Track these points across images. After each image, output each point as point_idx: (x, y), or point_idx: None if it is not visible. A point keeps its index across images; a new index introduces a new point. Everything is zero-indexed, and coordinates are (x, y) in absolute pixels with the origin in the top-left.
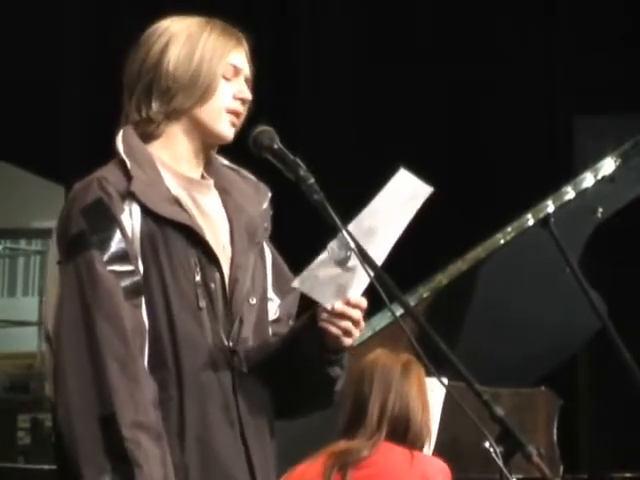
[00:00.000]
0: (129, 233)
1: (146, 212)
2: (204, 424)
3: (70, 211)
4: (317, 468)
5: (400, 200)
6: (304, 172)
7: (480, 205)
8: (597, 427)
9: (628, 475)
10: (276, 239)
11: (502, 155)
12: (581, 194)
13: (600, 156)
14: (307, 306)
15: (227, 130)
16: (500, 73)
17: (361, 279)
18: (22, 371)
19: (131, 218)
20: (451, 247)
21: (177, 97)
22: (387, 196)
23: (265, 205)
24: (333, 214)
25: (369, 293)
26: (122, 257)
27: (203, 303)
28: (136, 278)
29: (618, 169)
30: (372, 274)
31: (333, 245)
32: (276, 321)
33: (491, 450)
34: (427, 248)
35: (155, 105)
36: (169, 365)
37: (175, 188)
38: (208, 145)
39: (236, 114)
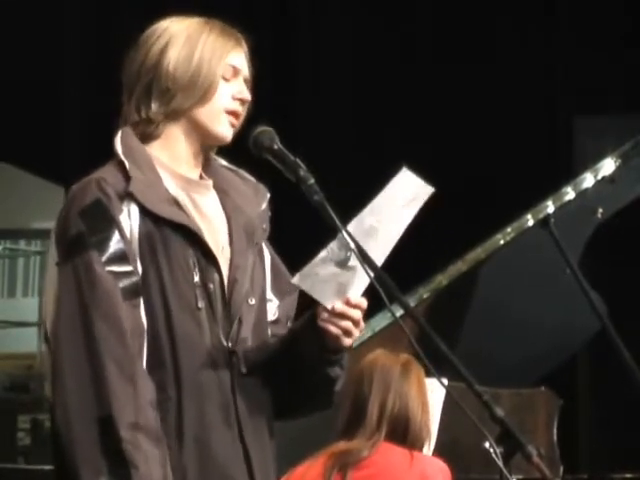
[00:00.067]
0: (127, 234)
1: (144, 213)
2: (202, 425)
3: (69, 212)
4: (317, 469)
5: (402, 200)
6: (304, 172)
7: (480, 205)
8: (597, 427)
9: (628, 475)
10: (276, 240)
11: (502, 155)
12: (581, 194)
13: (600, 156)
14: (306, 306)
15: (226, 131)
16: (500, 73)
17: (361, 279)
18: (22, 371)
19: (129, 219)
20: (451, 247)
21: (176, 98)
22: (389, 196)
23: (264, 206)
24: (333, 214)
25: (369, 293)
26: (120, 258)
27: (202, 304)
28: (134, 279)
29: (618, 169)
30: (372, 274)
31: (333, 245)
32: (275, 322)
33: (491, 450)
34: (427, 248)
35: (154, 106)
36: (167, 366)
37: (174, 189)
38: (207, 146)
39: (235, 115)
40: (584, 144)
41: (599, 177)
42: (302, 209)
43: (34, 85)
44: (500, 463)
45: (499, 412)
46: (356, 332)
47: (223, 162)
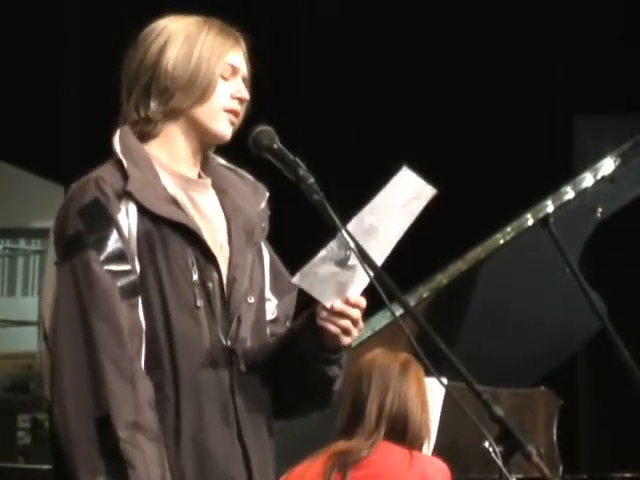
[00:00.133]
0: (126, 233)
1: (143, 211)
2: (201, 424)
3: (67, 211)
4: (317, 468)
5: (402, 199)
6: (304, 172)
7: (480, 205)
8: (597, 427)
9: (628, 475)
10: (276, 239)
11: (502, 155)
12: (581, 194)
13: (600, 156)
14: (305, 305)
15: (225, 129)
16: (500, 73)
17: (361, 278)
18: (22, 371)
19: (127, 218)
20: (451, 247)
21: (175, 97)
22: (389, 195)
23: (263, 205)
24: (333, 214)
25: (369, 293)
26: (119, 257)
27: (200, 302)
28: (132, 277)
29: (618, 169)
30: (372, 274)
31: (333, 245)
32: (273, 321)
33: (491, 450)
34: (427, 248)
35: (153, 104)
36: (165, 365)
37: (172, 187)
38: (206, 144)
39: (234, 113)
40: (584, 144)
41: (599, 177)
42: (302, 209)
43: (34, 85)
44: (500, 463)
45: (499, 412)
46: (355, 331)
47: (222, 161)
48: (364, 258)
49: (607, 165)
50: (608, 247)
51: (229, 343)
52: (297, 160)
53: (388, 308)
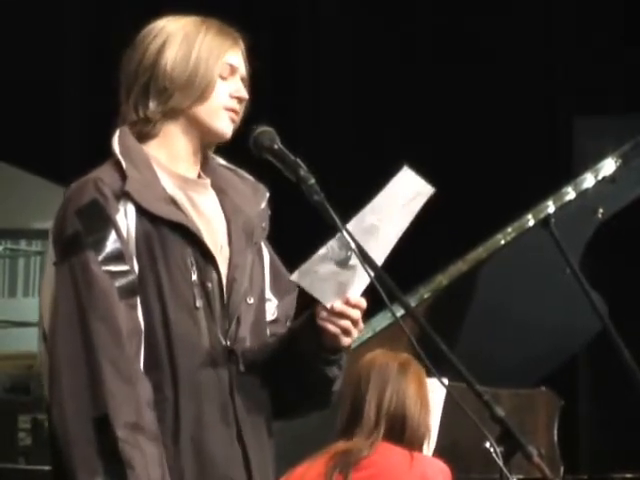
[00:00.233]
0: (124, 233)
1: (141, 212)
2: (200, 424)
3: (66, 212)
4: (318, 469)
5: (402, 199)
6: (304, 172)
7: (480, 205)
8: (597, 428)
9: (629, 476)
10: (276, 240)
11: (502, 155)
12: (582, 195)
13: (600, 157)
14: (306, 306)
15: (226, 127)
16: (500, 73)
17: (361, 278)
18: (23, 372)
19: (126, 218)
20: (451, 247)
21: (174, 97)
22: (389, 194)
23: (263, 205)
24: (334, 215)
25: (369, 293)
26: (117, 257)
27: (200, 303)
28: (131, 278)
29: (619, 170)
30: (372, 274)
31: (333, 245)
32: (274, 322)
33: (491, 450)
34: (428, 248)
35: (152, 104)
36: (164, 366)
37: (171, 188)
38: (206, 143)
39: (234, 112)
40: (584, 144)
41: (600, 177)
42: (302, 209)
43: (34, 85)
44: (500, 463)
45: (499, 412)
46: (355, 332)
47: (222, 161)
48: (365, 258)
49: (608, 166)
50: (609, 248)
51: (228, 343)
52: (298, 161)
53: (389, 309)
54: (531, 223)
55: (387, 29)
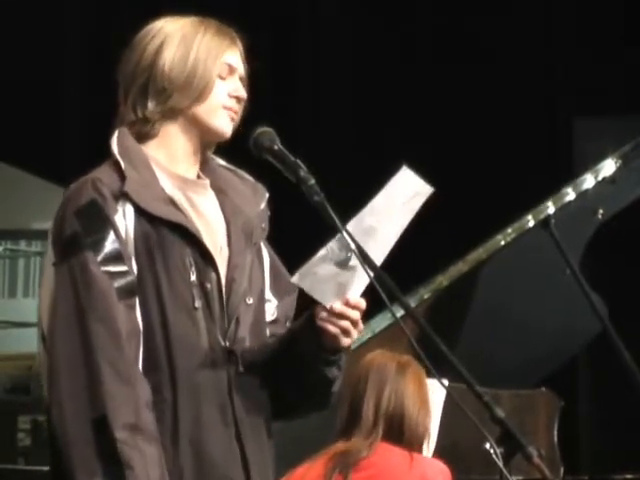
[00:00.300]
0: (123, 234)
1: (140, 212)
2: (199, 425)
3: (64, 212)
4: (318, 470)
5: (401, 199)
6: (304, 173)
7: (480, 206)
8: (598, 428)
9: (629, 476)
10: (276, 240)
11: (502, 155)
12: (582, 195)
13: (600, 157)
14: (305, 307)
15: (225, 126)
16: (500, 73)
17: (361, 279)
18: (23, 372)
19: (125, 219)
20: (452, 248)
21: (173, 97)
22: (388, 194)
23: (262, 206)
24: (334, 215)
25: (369, 294)
26: (116, 257)
27: (199, 303)
28: (130, 278)
29: (619, 170)
30: (372, 275)
31: (333, 245)
32: (273, 322)
33: (492, 451)
34: (427, 249)
35: (151, 105)
36: (163, 367)
37: (170, 188)
38: (206, 143)
39: (232, 111)
40: (584, 145)
41: (600, 178)
42: (302, 209)
43: (34, 85)
44: (500, 464)
45: (499, 413)
46: (355, 332)
47: (221, 162)
48: (365, 259)
49: (608, 166)
50: (609, 248)
51: (227, 344)
52: (298, 161)
53: (389, 309)
54: (531, 224)
55: (387, 29)
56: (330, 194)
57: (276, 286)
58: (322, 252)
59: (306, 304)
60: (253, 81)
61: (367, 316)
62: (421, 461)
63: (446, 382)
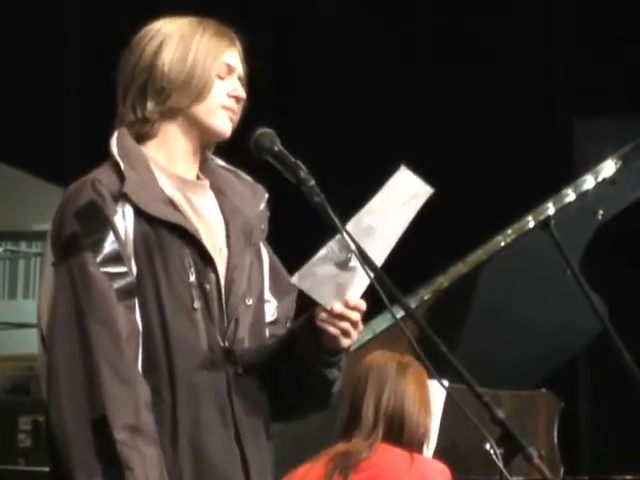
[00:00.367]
0: (122, 235)
1: (139, 213)
2: (198, 426)
3: (64, 213)
4: (318, 471)
5: (400, 199)
6: (305, 174)
7: (480, 207)
8: (598, 429)
9: (629, 477)
10: (276, 240)
11: (502, 155)
12: (582, 196)
13: (600, 158)
14: (305, 307)
15: (225, 125)
16: (500, 73)
17: (361, 279)
18: (23, 373)
19: (124, 220)
20: (452, 249)
21: (172, 97)
22: (387, 194)
23: (262, 206)
24: (334, 216)
25: (369, 295)
26: (115, 258)
27: (198, 304)
28: (129, 279)
29: (619, 171)
30: (372, 276)
31: (333, 246)
32: (273, 323)
33: (492, 452)
34: (428, 250)
35: (150, 105)
36: (162, 368)
37: (169, 189)
38: (205, 143)
39: (232, 111)
40: (584, 146)
41: (600, 179)
42: (302, 210)
43: (34, 85)
44: (501, 465)
45: (500, 414)
46: (355, 333)
47: (220, 162)
48: (365, 260)
49: (608, 167)
50: (609, 249)
51: (227, 345)
52: (298, 162)
53: (389, 310)
54: (531, 225)
55: (387, 29)
56: (330, 194)
57: (276, 287)
58: (322, 253)
59: (306, 304)
60: (253, 81)
61: (367, 317)
62: (421, 462)
63: (446, 383)
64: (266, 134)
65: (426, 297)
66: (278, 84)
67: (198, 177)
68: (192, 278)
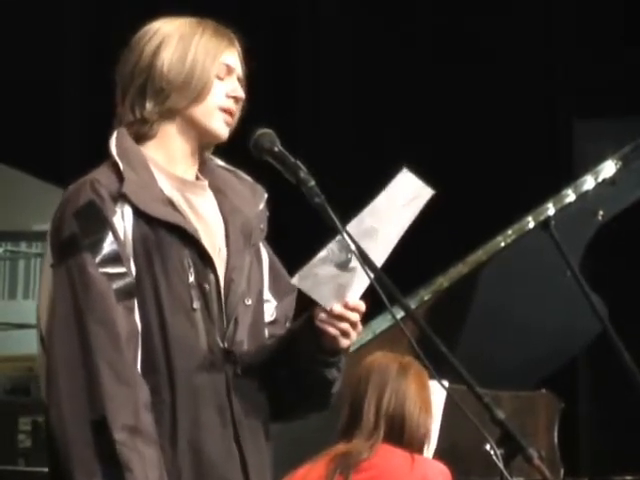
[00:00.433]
0: (121, 235)
1: (138, 214)
2: (197, 427)
3: (63, 214)
4: (319, 471)
5: (401, 201)
6: (305, 175)
7: (480, 207)
8: (598, 430)
9: (629, 478)
10: (276, 241)
11: (502, 156)
12: (582, 197)
13: (600, 159)
14: (305, 307)
15: (221, 128)
16: (500, 73)
17: (361, 281)
18: (23, 373)
19: (123, 220)
20: (452, 249)
21: (171, 97)
22: (388, 197)
23: (261, 206)
24: (334, 217)
25: (370, 295)
26: (114, 259)
27: (197, 304)
28: (128, 279)
29: (619, 172)
30: (373, 276)
31: (333, 247)
32: (273, 323)
33: (492, 453)
34: (428, 250)
35: (149, 105)
36: (161, 369)
37: (169, 189)
38: (203, 145)
39: (229, 113)
40: (584, 146)
41: (600, 179)
42: (302, 210)
43: (34, 85)
44: (501, 465)
45: (500, 414)
46: (354, 334)
47: (220, 162)
48: (365, 260)
49: (608, 168)
50: (609, 250)
51: (226, 345)
52: (298, 163)
53: (389, 311)
54: (531, 225)
55: (387, 29)
56: (330, 195)
57: (275, 286)
58: (322, 254)
59: (305, 304)
60: (253, 81)
61: (368, 317)
62: (422, 462)
63: (446, 383)
64: (266, 134)
65: (426, 297)
66: (278, 84)
67: (197, 177)
68: (191, 278)
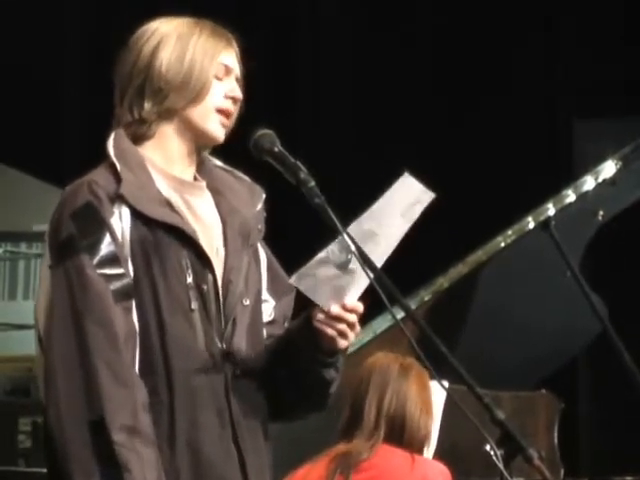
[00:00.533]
0: (119, 236)
1: (136, 215)
2: (195, 427)
3: (60, 215)
4: (319, 471)
5: (402, 205)
6: (305, 175)
7: (481, 207)
8: (598, 430)
9: (629, 478)
10: (275, 241)
11: (502, 156)
12: (582, 197)
13: (601, 159)
14: (304, 307)
15: (217, 130)
16: (500, 73)
17: (359, 281)
18: (23, 374)
19: (121, 221)
20: (452, 250)
21: (170, 97)
22: (389, 200)
23: (259, 206)
24: (334, 217)
25: (370, 296)
26: (112, 260)
27: (195, 305)
28: (126, 280)
29: (619, 172)
30: (372, 276)
31: (333, 248)
32: (271, 323)
33: (492, 453)
34: (428, 250)
35: (147, 105)
36: (159, 370)
37: (166, 190)
38: (200, 146)
39: (227, 113)
40: (584, 146)
41: (600, 180)
42: (302, 211)
43: (34, 85)
44: (501, 466)
45: (500, 415)
46: (351, 335)
47: (218, 162)
48: (365, 261)
49: (608, 168)
50: (609, 250)
51: (224, 346)
52: (298, 163)
53: (389, 311)
54: (531, 225)
55: (387, 29)
56: (330, 195)
57: (274, 287)
58: (322, 254)
59: (304, 304)
60: (253, 81)
61: (368, 318)
62: (422, 463)
63: (446, 384)
64: (266, 135)
65: (426, 298)
66: (278, 84)
67: (195, 178)
68: (189, 279)
